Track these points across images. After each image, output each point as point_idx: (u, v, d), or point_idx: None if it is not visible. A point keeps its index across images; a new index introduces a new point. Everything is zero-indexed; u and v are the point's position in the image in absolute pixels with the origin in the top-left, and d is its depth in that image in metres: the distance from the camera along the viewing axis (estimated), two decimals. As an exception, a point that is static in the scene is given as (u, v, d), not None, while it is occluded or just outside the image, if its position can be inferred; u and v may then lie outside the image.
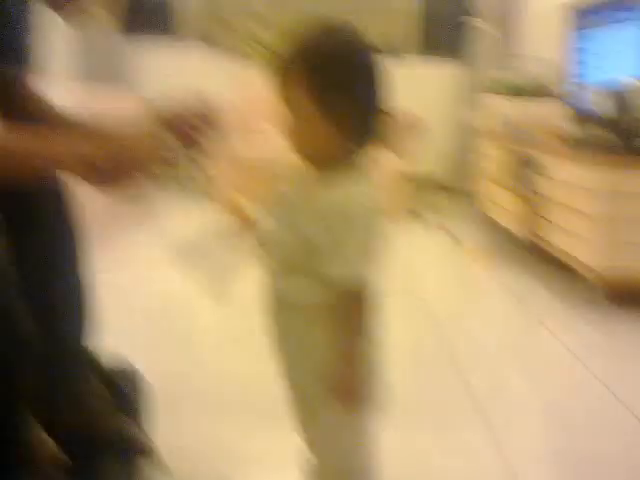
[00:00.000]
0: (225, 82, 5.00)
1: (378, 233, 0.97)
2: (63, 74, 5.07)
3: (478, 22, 5.34)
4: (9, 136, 0.99)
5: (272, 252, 1.03)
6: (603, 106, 3.21)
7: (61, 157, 1.00)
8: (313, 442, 1.11)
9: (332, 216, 0.94)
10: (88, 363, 1.33)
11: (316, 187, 0.98)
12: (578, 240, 2.68)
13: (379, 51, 1.01)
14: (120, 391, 1.38)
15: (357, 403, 0.99)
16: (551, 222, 2.98)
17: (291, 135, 0.99)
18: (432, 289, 2.83)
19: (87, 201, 1.35)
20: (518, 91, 4.56)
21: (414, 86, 5.44)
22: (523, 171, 3.50)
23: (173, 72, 5.31)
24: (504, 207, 3.38)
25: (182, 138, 1.12)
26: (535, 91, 4.50)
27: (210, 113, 1.15)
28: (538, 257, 3.32)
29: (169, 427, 1.53)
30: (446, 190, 5.55)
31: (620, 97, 2.80)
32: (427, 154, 5.43)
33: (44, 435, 1.13)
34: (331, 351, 0.97)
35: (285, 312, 1.03)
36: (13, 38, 1.21)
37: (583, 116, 3.60)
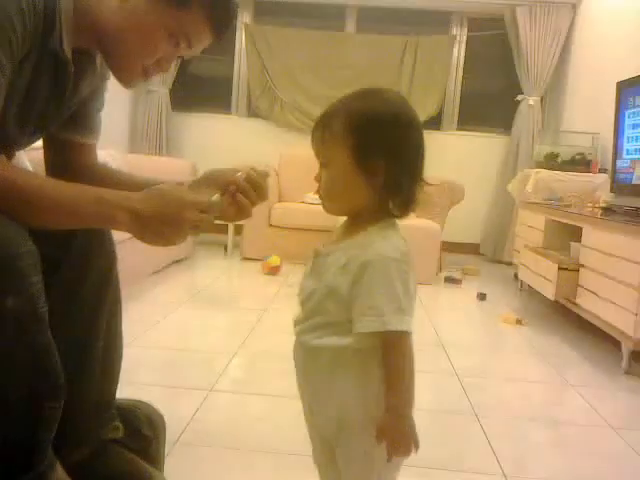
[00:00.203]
0: (271, 151, 5.20)
1: (403, 283, 0.95)
2: (116, 142, 5.35)
3: (526, 98, 5.42)
4: (65, 189, 1.06)
5: (303, 302, 1.04)
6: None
7: (112, 208, 1.06)
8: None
9: (355, 267, 0.96)
10: (115, 409, 1.36)
11: (345, 239, 1.01)
12: (614, 306, 2.66)
13: (420, 119, 1.03)
14: (144, 436, 1.41)
15: (408, 448, 0.97)
16: (588, 289, 2.96)
17: (325, 191, 1.02)
18: (460, 346, 2.81)
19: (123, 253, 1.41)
20: (563, 164, 4.59)
21: (458, 157, 5.55)
22: (563, 240, 3.49)
23: (224, 143, 5.55)
24: (541, 274, 3.36)
25: (234, 204, 1.17)
26: (578, 163, 4.52)
27: (260, 181, 1.19)
28: (574, 324, 3.29)
29: (189, 472, 1.55)
30: (482, 256, 5.54)
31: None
32: (468, 222, 5.48)
33: (67, 478, 1.15)
34: (352, 395, 0.99)
35: (309, 357, 1.04)
36: (85, 108, 1.32)
37: (626, 188, 3.60)
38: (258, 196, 1.19)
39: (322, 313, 1.00)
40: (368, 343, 0.96)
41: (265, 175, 1.21)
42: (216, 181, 1.21)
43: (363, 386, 0.99)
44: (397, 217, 1.01)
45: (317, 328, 1.01)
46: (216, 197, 1.16)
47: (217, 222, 1.17)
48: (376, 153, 0.96)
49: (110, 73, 1.23)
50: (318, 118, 1.01)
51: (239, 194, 1.16)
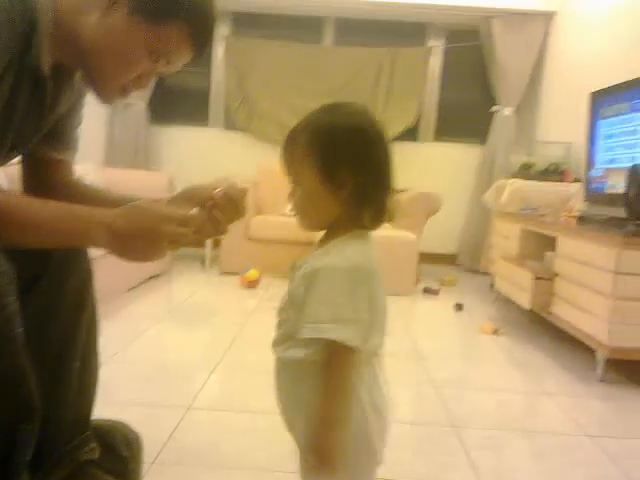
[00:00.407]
0: (250, 164, 5.20)
1: (347, 294, 0.93)
2: (93, 156, 5.32)
3: (500, 108, 5.49)
4: (42, 207, 1.06)
5: (278, 314, 1.05)
6: (619, 188, 3.26)
7: (89, 226, 1.06)
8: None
9: (307, 276, 0.97)
10: (91, 429, 1.35)
11: (314, 253, 1.02)
12: (589, 314, 2.69)
13: (384, 130, 1.03)
14: (120, 456, 1.40)
15: (331, 467, 0.95)
16: (563, 298, 3.00)
17: (297, 208, 1.03)
18: (438, 356, 2.82)
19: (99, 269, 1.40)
20: (537, 174, 4.65)
21: (435, 167, 5.61)
22: (538, 249, 3.53)
23: (202, 155, 5.54)
24: (517, 284, 3.40)
25: (211, 221, 1.17)
26: (552, 173, 4.59)
27: (238, 198, 1.20)
28: (550, 332, 3.33)
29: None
30: (459, 266, 5.59)
31: (632, 178, 2.85)
32: (445, 232, 5.53)
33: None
34: (312, 408, 0.97)
35: (280, 369, 1.06)
36: (63, 124, 1.32)
37: (599, 197, 3.66)
38: (235, 213, 1.19)
39: (286, 324, 1.02)
40: (322, 353, 0.95)
41: (243, 192, 1.22)
42: (194, 197, 1.21)
43: None
44: (369, 228, 1.02)
45: (285, 340, 1.02)
46: (194, 212, 1.16)
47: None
48: (341, 166, 0.97)
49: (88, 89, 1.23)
50: (286, 137, 1.03)
51: (216, 210, 1.16)
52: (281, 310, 1.04)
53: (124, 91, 1.18)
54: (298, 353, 0.98)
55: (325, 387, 0.95)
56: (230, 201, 1.18)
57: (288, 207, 4.73)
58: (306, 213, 1.04)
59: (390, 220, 1.02)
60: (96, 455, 1.33)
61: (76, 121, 1.36)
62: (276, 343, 1.04)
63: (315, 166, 0.98)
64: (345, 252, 0.97)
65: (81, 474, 1.29)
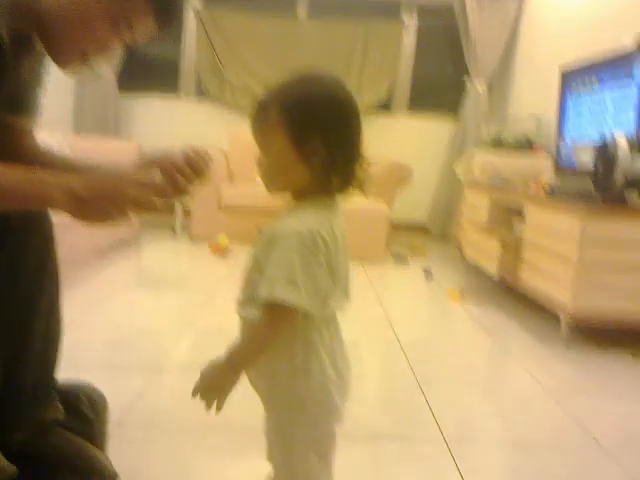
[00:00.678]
0: (221, 134, 5.15)
1: (303, 258, 0.94)
2: (61, 124, 5.22)
3: (472, 81, 5.51)
4: (2, 171, 1.03)
5: (243, 276, 1.06)
6: (584, 160, 3.30)
7: (49, 189, 1.04)
8: (270, 448, 1.13)
9: (268, 240, 0.98)
10: (55, 390, 1.34)
11: (280, 217, 1.03)
12: (554, 281, 2.75)
13: (355, 100, 1.03)
14: (85, 417, 1.39)
15: (210, 399, 0.99)
16: (529, 264, 3.05)
17: (266, 174, 1.04)
18: (407, 322, 2.86)
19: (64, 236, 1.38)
20: (506, 146, 4.68)
21: (408, 139, 5.62)
22: (506, 219, 3.58)
23: (173, 125, 5.47)
24: (485, 251, 3.44)
25: (170, 182, 1.16)
26: (522, 146, 4.63)
27: (199, 160, 1.19)
28: (516, 299, 3.40)
29: (133, 453, 1.55)
30: (429, 234, 5.64)
31: (600, 152, 2.89)
32: (416, 202, 5.56)
33: (4, 461, 1.13)
34: (278, 369, 1.00)
35: (243, 328, 1.06)
36: (25, 91, 1.29)
37: (566, 169, 3.70)
38: (197, 175, 1.18)
39: (249, 285, 1.02)
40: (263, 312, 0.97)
41: (206, 155, 1.21)
42: (156, 162, 1.20)
43: (288, 360, 1.00)
44: (336, 194, 1.03)
45: (248, 300, 1.03)
46: (156, 173, 1.15)
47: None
48: (312, 134, 0.98)
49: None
50: (255, 105, 1.03)
51: (178, 175, 1.16)
52: (245, 272, 1.05)
53: (84, 60, 1.16)
54: (256, 313, 0.99)
55: (254, 335, 0.98)
56: (189, 162, 1.17)
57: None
58: (275, 179, 1.04)
59: (359, 188, 1.03)
60: (60, 415, 1.32)
61: (38, 88, 1.33)
62: (240, 304, 1.05)
63: (287, 134, 0.98)
64: (304, 218, 0.99)
65: (46, 434, 1.28)
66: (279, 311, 0.95)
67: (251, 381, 1.08)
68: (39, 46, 1.19)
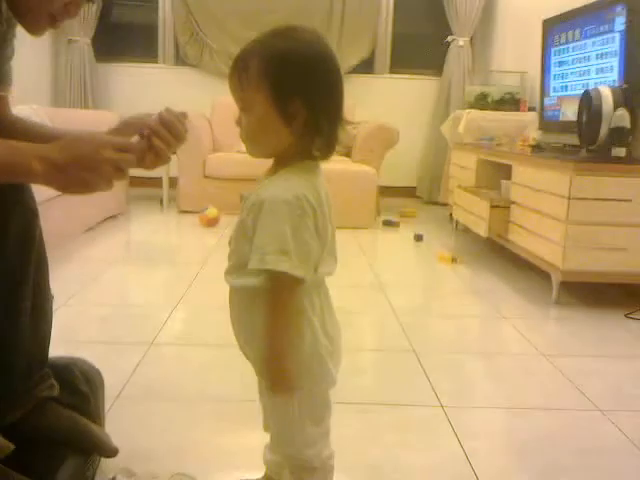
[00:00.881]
0: (204, 101, 5.07)
1: (293, 226, 0.93)
2: (39, 96, 5.12)
3: (456, 39, 5.44)
4: None
5: (229, 244, 1.05)
6: (572, 116, 3.29)
7: (27, 160, 1.00)
8: (267, 418, 1.14)
9: (254, 207, 0.96)
10: (49, 367, 1.34)
11: (264, 181, 1.00)
12: (544, 241, 2.76)
13: (336, 56, 0.99)
14: (81, 393, 1.39)
15: (285, 387, 0.99)
16: (519, 225, 3.05)
17: (246, 135, 1.00)
18: (399, 286, 2.87)
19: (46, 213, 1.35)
20: (493, 104, 4.65)
21: (391, 100, 5.56)
22: (494, 178, 3.57)
23: (152, 93, 5.37)
24: (474, 213, 3.44)
25: (149, 147, 1.12)
26: (507, 102, 4.60)
27: (176, 122, 1.14)
28: (506, 259, 3.41)
29: (132, 427, 1.55)
30: (419, 198, 5.64)
31: (584, 105, 2.88)
32: (403, 165, 5.53)
33: (1, 439, 1.12)
34: (258, 332, 0.99)
35: (232, 297, 1.06)
36: None
37: (554, 125, 3.69)
38: (175, 138, 1.15)
39: (237, 253, 1.01)
40: (266, 281, 0.95)
41: (182, 116, 1.17)
42: (132, 127, 1.16)
43: None
44: (319, 159, 1.01)
45: (236, 268, 1.01)
46: (134, 139, 1.12)
47: (141, 172, 1.13)
48: (293, 95, 0.94)
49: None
50: (233, 61, 0.98)
51: (155, 138, 1.12)
52: (231, 240, 1.04)
53: (52, 20, 1.12)
54: (249, 281, 0.98)
55: (270, 315, 0.96)
56: (167, 125, 1.13)
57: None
58: (255, 140, 1.01)
59: (343, 152, 1.01)
60: (55, 392, 1.31)
61: (7, 53, 1.28)
62: (228, 272, 1.04)
63: (267, 95, 0.94)
64: (290, 182, 0.96)
65: (41, 411, 1.28)
66: (278, 282, 0.94)
67: (242, 350, 1.08)
68: (6, 9, 1.15)
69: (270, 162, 1.05)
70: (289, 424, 1.06)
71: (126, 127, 1.17)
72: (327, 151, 1.00)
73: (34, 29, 1.13)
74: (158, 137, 1.12)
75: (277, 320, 0.96)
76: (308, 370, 1.02)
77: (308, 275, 0.95)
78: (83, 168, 1.02)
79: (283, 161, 1.00)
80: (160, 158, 1.14)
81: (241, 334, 1.07)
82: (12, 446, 1.10)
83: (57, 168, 1.01)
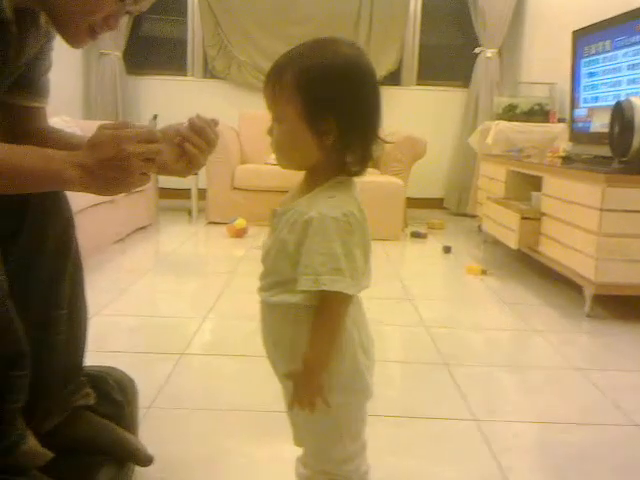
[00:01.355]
0: (232, 113, 5.11)
1: (344, 244, 0.93)
2: (71, 108, 5.20)
3: (484, 50, 5.42)
4: (15, 152, 1.03)
5: (263, 260, 1.04)
6: (603, 127, 3.25)
7: (63, 166, 1.02)
8: (298, 433, 1.12)
9: (298, 225, 0.95)
10: (85, 376, 1.34)
11: (299, 197, 0.99)
12: (576, 253, 2.72)
13: (375, 71, 0.98)
14: (116, 401, 1.40)
15: (312, 403, 0.98)
16: (550, 237, 3.02)
17: (276, 146, 0.99)
18: (428, 298, 2.85)
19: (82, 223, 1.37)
20: (522, 115, 4.62)
21: (418, 111, 5.55)
22: (524, 190, 3.54)
23: (181, 106, 5.44)
24: (504, 225, 3.41)
25: (181, 154, 1.13)
26: (536, 114, 4.56)
27: (204, 127, 1.15)
28: (537, 271, 3.37)
29: (164, 436, 1.56)
30: (446, 210, 5.61)
31: (616, 115, 2.84)
32: (431, 177, 5.51)
33: (39, 447, 1.14)
34: (299, 349, 0.98)
35: (267, 314, 1.05)
36: (32, 70, 1.26)
37: (584, 137, 3.65)
38: (206, 143, 1.15)
39: (275, 271, 1.00)
40: (317, 301, 0.95)
41: (212, 122, 1.17)
42: (167, 136, 1.17)
43: None
44: (353, 175, 0.99)
45: (272, 286, 1.01)
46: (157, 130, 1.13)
47: (170, 183, 1.14)
48: (326, 112, 0.92)
49: (56, 32, 1.18)
50: (269, 70, 0.97)
51: (187, 144, 1.13)
52: (266, 257, 1.02)
53: (92, 33, 1.13)
54: (289, 299, 0.98)
55: (320, 332, 0.96)
56: (198, 131, 1.14)
57: (272, 155, 4.69)
58: (284, 152, 0.99)
59: (374, 166, 1.00)
60: (91, 401, 1.33)
61: (46, 65, 1.31)
62: (263, 289, 1.03)
63: (298, 109, 0.93)
64: (335, 200, 0.95)
65: (77, 419, 1.29)
66: (331, 301, 0.93)
67: (272, 365, 1.08)
68: (45, 21, 1.17)
69: (299, 175, 1.04)
70: (327, 440, 1.05)
71: (161, 137, 1.18)
72: (359, 168, 0.98)
73: (74, 41, 1.14)
74: (190, 143, 1.13)
75: (327, 337, 0.96)
76: (348, 384, 1.01)
77: (358, 291, 0.96)
78: (111, 168, 1.03)
79: (316, 176, 0.99)
80: (193, 164, 1.15)
81: (273, 350, 1.06)
82: (50, 454, 1.11)
83: (88, 171, 1.02)
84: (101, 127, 1.07)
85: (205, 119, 1.16)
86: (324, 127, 0.93)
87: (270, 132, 1.00)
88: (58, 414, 1.26)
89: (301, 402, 0.98)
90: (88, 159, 1.03)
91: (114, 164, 1.02)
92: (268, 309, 1.04)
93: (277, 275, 1.00)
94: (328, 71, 0.93)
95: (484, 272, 3.38)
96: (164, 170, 1.15)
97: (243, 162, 4.90)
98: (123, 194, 1.08)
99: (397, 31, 5.50)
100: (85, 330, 1.34)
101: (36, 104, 1.31)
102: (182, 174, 1.17)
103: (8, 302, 1.02)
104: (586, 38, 3.60)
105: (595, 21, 3.47)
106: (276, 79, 0.95)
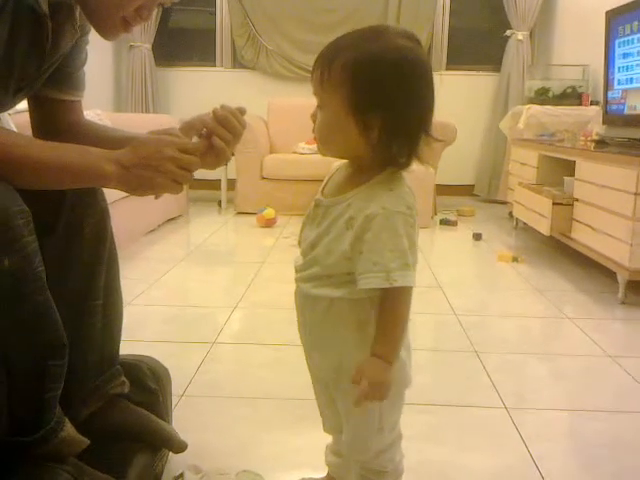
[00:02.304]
0: (261, 102, 5.13)
1: (409, 238, 0.93)
2: (101, 101, 5.26)
3: (515, 33, 5.33)
4: (53, 148, 1.05)
5: (305, 251, 1.03)
6: (638, 108, 3.18)
7: (101, 163, 1.05)
8: (329, 421, 1.14)
9: (352, 220, 0.93)
10: (120, 364, 1.37)
11: (349, 190, 0.97)
12: (609, 239, 2.68)
13: (429, 63, 0.95)
14: (150, 390, 1.42)
15: (384, 395, 0.96)
16: (583, 223, 2.97)
17: (318, 133, 0.96)
18: (458, 285, 2.83)
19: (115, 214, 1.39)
20: (554, 99, 4.54)
21: (448, 97, 5.48)
22: (557, 175, 3.49)
23: (211, 96, 5.47)
24: (536, 211, 3.37)
25: (209, 147, 1.14)
26: (569, 97, 4.48)
27: (229, 117, 1.14)
28: (569, 258, 3.33)
29: (197, 424, 1.58)
30: (477, 197, 5.55)
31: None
32: (461, 163, 5.46)
33: (76, 435, 1.17)
34: (351, 342, 0.99)
35: (308, 304, 1.04)
36: (68, 63, 1.28)
37: (618, 119, 3.58)
38: (232, 134, 1.15)
39: (320, 264, 0.99)
40: (363, 294, 0.95)
41: (239, 111, 1.17)
42: (194, 128, 1.18)
43: (361, 332, 0.98)
44: (401, 167, 0.96)
45: (314, 278, 1.00)
46: (194, 139, 1.14)
47: (199, 174, 1.14)
48: (372, 107, 0.90)
49: (90, 26, 1.20)
50: (319, 55, 0.94)
51: (214, 137, 1.14)
52: (309, 249, 1.01)
53: (126, 25, 1.15)
54: (333, 292, 0.98)
55: (392, 326, 0.96)
56: (222, 122, 1.14)
57: (302, 143, 4.68)
58: (325, 139, 0.97)
59: (418, 160, 0.96)
60: (126, 389, 1.35)
61: (81, 59, 1.33)
62: (304, 280, 1.02)
63: (344, 99, 0.90)
64: (396, 192, 0.94)
65: (112, 407, 1.31)
66: (401, 294, 0.93)
67: (309, 355, 1.08)
68: (80, 14, 1.19)
69: (328, 164, 1.03)
70: (368, 430, 1.05)
71: (188, 129, 1.19)
72: (409, 161, 0.95)
73: (108, 34, 1.16)
74: (216, 135, 1.14)
75: (400, 331, 0.96)
76: (393, 375, 1.01)
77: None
78: (146, 167, 1.05)
79: (364, 168, 0.97)
80: (220, 157, 1.15)
81: (311, 340, 1.06)
82: (87, 441, 1.14)
83: (126, 169, 1.05)
84: (152, 132, 1.09)
85: (230, 109, 1.16)
86: (369, 121, 0.91)
87: (314, 117, 0.98)
88: (94, 402, 1.29)
89: (374, 396, 0.95)
90: (127, 156, 1.05)
91: (149, 164, 1.05)
92: (309, 301, 1.03)
93: (323, 268, 0.98)
94: (378, 64, 0.89)
95: (515, 259, 3.34)
96: None
97: (272, 152, 4.91)
98: (153, 196, 1.10)
99: (426, 16, 5.45)
100: (120, 320, 1.37)
101: (72, 97, 1.33)
102: (210, 167, 1.17)
103: (47, 293, 1.05)
104: (620, 18, 3.51)
105: (629, 1, 3.39)
106: (325, 65, 0.92)
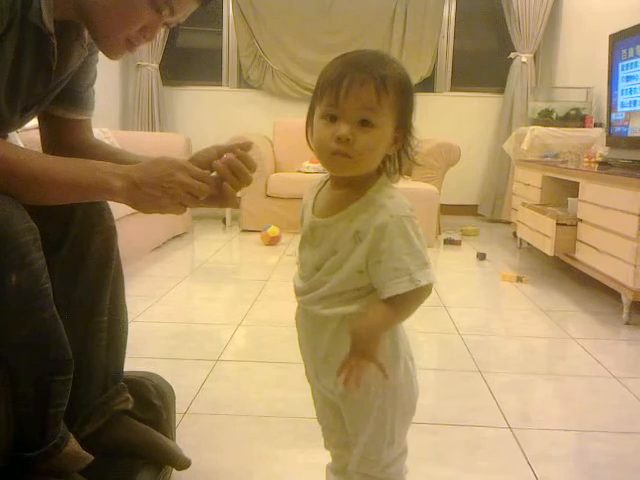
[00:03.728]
0: (267, 122, 5.17)
1: (420, 237, 0.95)
2: (109, 120, 5.30)
3: (519, 55, 5.37)
4: (63, 164, 1.07)
5: (306, 276, 1.03)
6: (639, 129, 3.20)
7: (109, 178, 1.06)
8: (333, 437, 1.13)
9: (359, 234, 0.95)
10: (124, 381, 1.37)
11: (345, 206, 0.98)
12: (613, 260, 2.68)
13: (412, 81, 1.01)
14: (154, 406, 1.43)
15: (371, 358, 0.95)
16: (586, 243, 2.98)
17: (359, 152, 0.93)
18: (462, 305, 2.83)
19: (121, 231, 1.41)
20: (557, 120, 4.57)
21: (453, 118, 5.53)
22: (560, 196, 3.50)
23: (217, 115, 5.52)
24: (540, 231, 3.37)
25: (223, 175, 1.13)
26: (572, 119, 4.51)
27: (240, 167, 1.13)
28: (573, 278, 3.33)
29: (201, 442, 1.58)
30: (481, 217, 5.56)
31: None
32: (465, 183, 5.48)
33: (81, 450, 1.17)
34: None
35: (317, 325, 1.03)
36: (79, 84, 1.31)
37: (622, 142, 3.59)
38: (241, 182, 1.14)
39: (329, 284, 0.99)
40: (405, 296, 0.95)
41: (246, 146, 1.15)
42: (202, 165, 1.17)
43: (380, 351, 0.98)
44: (391, 176, 1.00)
45: (323, 299, 1.00)
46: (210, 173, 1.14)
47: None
48: (405, 122, 0.97)
49: None
50: (365, 72, 0.92)
51: (225, 184, 1.12)
52: (314, 271, 1.01)
53: (130, 45, 1.16)
54: (348, 309, 0.98)
55: (398, 313, 0.96)
56: (234, 169, 1.13)
57: (306, 163, 4.71)
58: (370, 159, 0.95)
59: (407, 173, 1.01)
60: (130, 405, 1.36)
61: (90, 78, 1.35)
62: (313, 302, 1.01)
63: (394, 120, 0.95)
64: (397, 198, 0.97)
65: (116, 423, 1.32)
66: (423, 291, 0.95)
67: (318, 380, 1.07)
68: (86, 34, 1.20)
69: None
70: (381, 444, 1.04)
71: (195, 164, 1.19)
72: (394, 172, 1.00)
73: (112, 53, 1.18)
74: (227, 181, 1.13)
75: (401, 319, 0.98)
76: (405, 389, 1.02)
77: None
78: (156, 187, 1.06)
79: (356, 183, 0.98)
80: (229, 202, 1.15)
81: (324, 361, 1.04)
82: (91, 457, 1.14)
83: (134, 186, 1.06)
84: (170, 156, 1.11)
85: (241, 152, 1.14)
86: (398, 136, 0.97)
87: (345, 137, 0.92)
88: (98, 418, 1.29)
89: (358, 362, 0.94)
90: (139, 173, 1.07)
91: (160, 184, 1.06)
92: (318, 321, 1.03)
93: (333, 287, 0.98)
94: (410, 83, 0.97)
95: (520, 279, 3.34)
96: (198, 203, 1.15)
97: (277, 170, 4.94)
98: (154, 213, 1.11)
99: (431, 38, 5.50)
100: (125, 337, 1.37)
101: (80, 116, 1.34)
102: (216, 206, 1.18)
103: (54, 309, 1.06)
104: (623, 41, 3.54)
105: (632, 24, 3.42)
106: (381, 87, 0.92)
